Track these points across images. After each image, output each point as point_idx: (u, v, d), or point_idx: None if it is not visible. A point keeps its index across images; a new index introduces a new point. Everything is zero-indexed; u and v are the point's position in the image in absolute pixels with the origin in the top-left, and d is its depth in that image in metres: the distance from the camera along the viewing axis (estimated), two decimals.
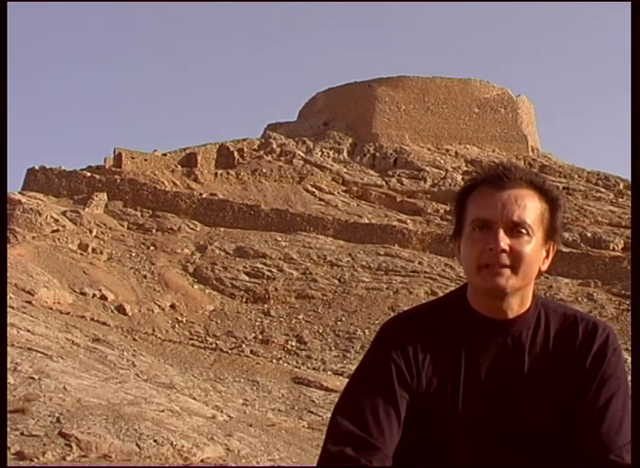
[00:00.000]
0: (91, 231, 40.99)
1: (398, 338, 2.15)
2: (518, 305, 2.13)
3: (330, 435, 2.07)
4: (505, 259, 2.04)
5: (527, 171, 2.13)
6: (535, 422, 2.12)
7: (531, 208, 2.07)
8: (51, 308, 28.98)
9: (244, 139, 55.25)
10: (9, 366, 12.97)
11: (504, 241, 2.03)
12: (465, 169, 53.08)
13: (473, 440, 2.12)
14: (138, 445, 10.36)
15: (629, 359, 2.21)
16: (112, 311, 32.87)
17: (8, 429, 9.03)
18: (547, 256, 2.13)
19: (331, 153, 54.25)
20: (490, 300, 2.12)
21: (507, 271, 2.05)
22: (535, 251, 2.08)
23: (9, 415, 9.43)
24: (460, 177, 51.66)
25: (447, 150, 55.50)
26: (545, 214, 2.09)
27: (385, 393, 2.08)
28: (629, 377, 2.19)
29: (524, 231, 2.05)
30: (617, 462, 2.02)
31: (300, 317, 35.33)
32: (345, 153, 54.53)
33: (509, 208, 2.05)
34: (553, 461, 2.13)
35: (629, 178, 50.73)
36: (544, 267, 2.13)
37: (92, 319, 29.40)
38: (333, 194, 50.37)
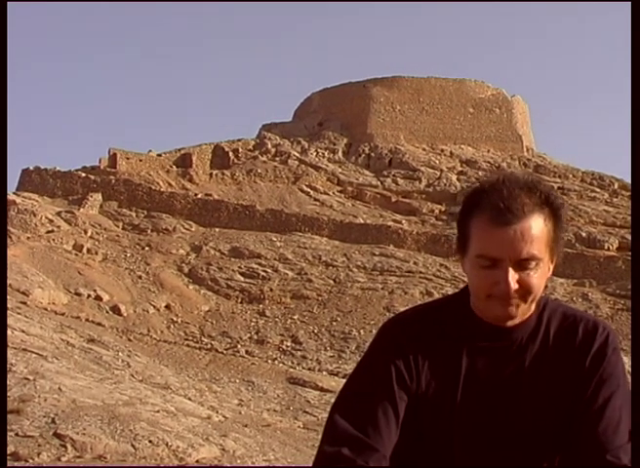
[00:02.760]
0: (86, 232, 40.95)
1: (398, 340, 2.13)
2: (523, 314, 2.12)
3: (327, 435, 2.05)
4: (515, 294, 2.02)
5: (527, 186, 2.03)
6: (533, 424, 2.11)
7: (538, 237, 2.01)
8: (45, 309, 28.93)
9: (239, 140, 55.24)
10: None
11: (514, 279, 2.00)
12: (460, 169, 53.15)
13: (471, 442, 2.11)
14: (133, 445, 10.35)
15: (625, 358, 2.20)
16: (107, 312, 32.84)
17: None
18: (552, 263, 2.10)
19: (326, 153, 54.27)
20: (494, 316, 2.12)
21: (517, 301, 2.04)
22: (543, 274, 2.05)
23: None
24: (454, 178, 51.73)
25: (442, 150, 55.54)
26: (551, 234, 2.04)
27: (384, 394, 2.07)
28: (629, 377, 2.18)
29: (533, 264, 2.01)
30: (613, 462, 2.00)
31: (296, 317, 35.33)
32: (340, 153, 54.56)
33: (517, 246, 1.98)
34: (551, 462, 2.13)
35: (624, 178, 50.95)
36: (549, 274, 2.10)
37: (87, 319, 29.36)
38: (328, 194, 50.39)
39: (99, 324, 29.16)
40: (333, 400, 2.16)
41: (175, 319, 34.16)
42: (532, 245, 1.99)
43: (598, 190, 52.46)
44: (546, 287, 2.13)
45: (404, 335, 2.14)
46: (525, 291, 2.02)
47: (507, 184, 2.03)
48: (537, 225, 2.01)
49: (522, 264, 2.00)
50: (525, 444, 2.11)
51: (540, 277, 2.04)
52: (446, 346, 2.14)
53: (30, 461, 9.14)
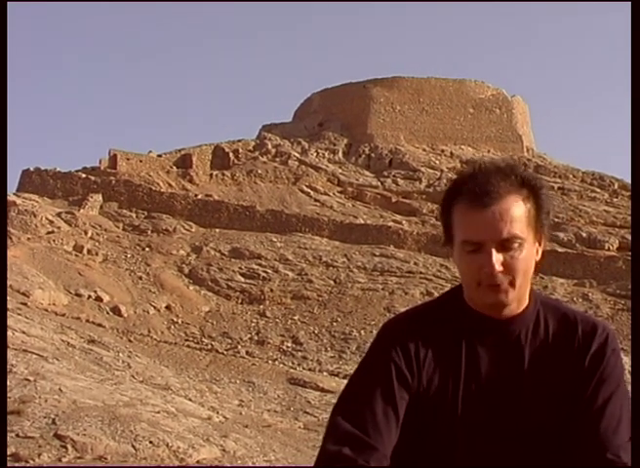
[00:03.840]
0: (86, 232, 40.95)
1: (398, 338, 2.15)
2: (516, 305, 2.13)
3: (328, 435, 2.07)
4: (502, 278, 2.04)
5: (503, 170, 2.08)
6: (534, 421, 2.12)
7: (518, 217, 2.04)
8: (46, 310, 28.94)
9: (239, 140, 55.24)
10: None
11: (498, 262, 2.02)
12: (461, 169, 52.86)
13: (473, 438, 2.12)
14: (133, 446, 10.35)
15: (625, 358, 2.21)
16: (108, 312, 32.84)
17: None
18: (540, 246, 2.13)
19: (326, 154, 54.27)
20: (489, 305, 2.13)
21: (506, 285, 2.06)
22: (528, 256, 2.07)
23: None
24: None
25: (442, 151, 55.56)
26: (532, 213, 2.07)
27: (384, 393, 2.09)
28: (629, 377, 2.19)
29: (516, 244, 2.04)
30: (614, 461, 2.02)
31: (296, 318, 35.33)
32: (341, 154, 54.56)
33: (497, 226, 2.02)
34: (552, 460, 2.13)
35: (624, 178, 50.98)
36: (538, 257, 2.13)
37: (87, 320, 29.37)
38: (328, 195, 50.39)
39: (99, 325, 29.16)
40: (333, 400, 2.17)
41: (175, 319, 34.17)
42: (512, 225, 2.03)
43: (598, 190, 52.47)
44: (537, 271, 2.15)
45: (404, 335, 2.16)
46: (511, 272, 2.04)
47: (484, 170, 2.09)
48: (515, 206, 2.05)
49: (505, 245, 2.03)
50: (526, 440, 2.12)
51: (525, 258, 2.06)
52: (445, 342, 2.16)
53: (31, 462, 9.15)
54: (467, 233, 2.05)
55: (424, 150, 55.57)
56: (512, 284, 2.06)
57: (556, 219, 42.91)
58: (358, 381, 2.14)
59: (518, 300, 2.13)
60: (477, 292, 2.09)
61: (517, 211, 2.05)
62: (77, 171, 48.97)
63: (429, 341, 2.15)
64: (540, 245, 2.13)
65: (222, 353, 28.33)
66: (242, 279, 38.45)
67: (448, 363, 2.14)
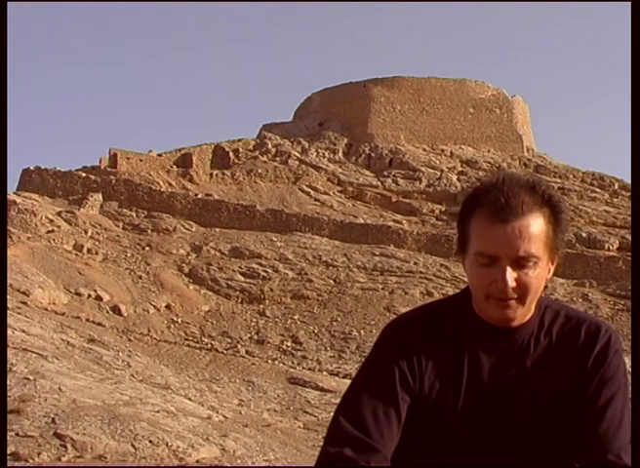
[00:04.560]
0: (86, 232, 40.94)
1: (402, 340, 2.14)
2: (522, 316, 2.12)
3: (330, 435, 2.07)
4: (513, 294, 2.02)
5: (527, 185, 2.04)
6: (535, 425, 2.12)
7: (536, 236, 2.01)
8: (46, 309, 28.92)
9: (239, 140, 55.23)
10: None
11: (512, 277, 2.00)
12: (461, 169, 53.14)
13: (473, 443, 2.12)
14: (133, 445, 10.34)
15: (625, 359, 2.21)
16: (107, 312, 32.83)
17: None
18: (552, 265, 2.10)
19: (326, 153, 54.26)
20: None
21: (514, 303, 2.04)
22: (541, 275, 2.05)
23: None
24: (455, 178, 51.73)
25: (442, 150, 55.54)
26: (550, 233, 2.04)
27: (387, 395, 2.08)
28: (629, 377, 2.18)
29: (531, 263, 2.01)
30: (614, 462, 2.01)
31: (296, 317, 35.32)
32: (341, 153, 54.56)
33: (514, 243, 1.98)
34: (553, 462, 2.13)
35: (624, 179, 50.95)
36: (549, 277, 2.11)
37: (87, 319, 29.35)
38: (328, 194, 50.39)
39: (99, 324, 29.15)
40: (333, 400, 2.18)
41: (175, 319, 34.16)
42: (530, 243, 1.99)
43: (598, 190, 52.46)
44: (546, 287, 2.13)
45: (407, 337, 2.15)
46: (522, 290, 2.03)
47: (508, 183, 2.04)
48: (536, 224, 2.01)
49: (520, 263, 2.01)
50: (527, 444, 2.12)
51: (538, 277, 2.04)
52: (449, 347, 2.15)
53: (30, 461, 9.14)
54: (484, 246, 2.02)
55: (424, 150, 55.56)
56: (521, 301, 2.05)
57: None
58: (360, 382, 2.14)
59: (524, 313, 2.12)
60: (485, 306, 2.08)
61: (537, 229, 2.01)
62: (77, 170, 48.97)
63: (432, 344, 2.14)
64: (552, 264, 2.09)
65: (222, 352, 28.31)
66: (242, 278, 38.45)
67: (450, 367, 2.13)
